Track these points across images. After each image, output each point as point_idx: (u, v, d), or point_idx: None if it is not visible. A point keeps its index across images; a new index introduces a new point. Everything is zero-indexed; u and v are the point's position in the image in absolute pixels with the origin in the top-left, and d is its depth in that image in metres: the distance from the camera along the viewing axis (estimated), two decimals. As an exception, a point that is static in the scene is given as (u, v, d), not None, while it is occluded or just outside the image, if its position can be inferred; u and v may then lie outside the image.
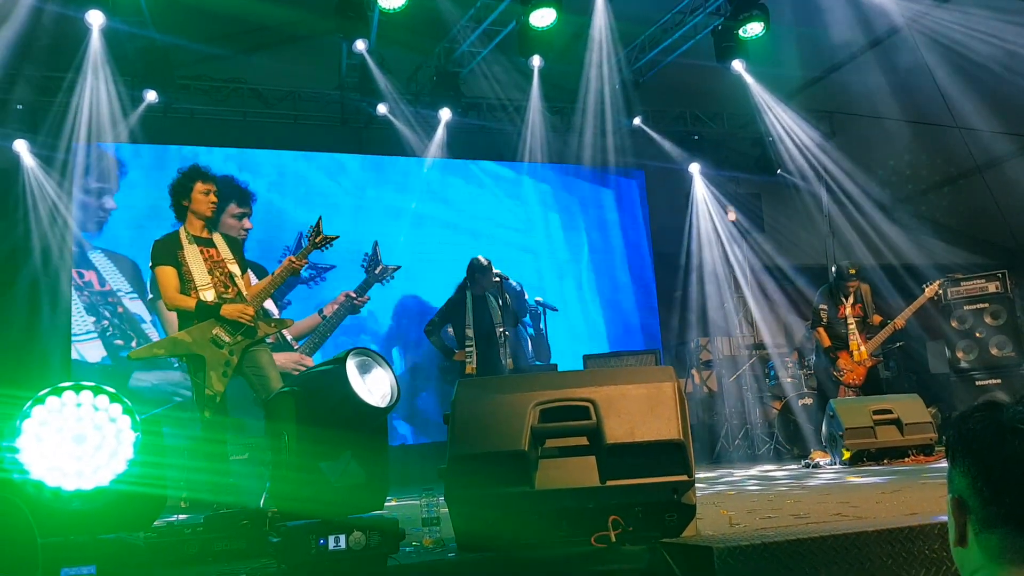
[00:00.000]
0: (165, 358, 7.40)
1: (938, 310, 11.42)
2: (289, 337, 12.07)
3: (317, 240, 6.05)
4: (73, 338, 11.08)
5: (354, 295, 12.54)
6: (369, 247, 12.75)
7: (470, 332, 9.35)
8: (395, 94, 12.43)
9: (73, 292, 11.18)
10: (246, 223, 12.16)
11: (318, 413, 3.84)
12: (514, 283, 12.44)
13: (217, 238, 6.20)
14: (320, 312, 12.36)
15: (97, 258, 11.51)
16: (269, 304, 11.93)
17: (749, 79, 12.72)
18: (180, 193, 6.13)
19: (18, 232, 11.06)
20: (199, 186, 6.08)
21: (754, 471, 9.54)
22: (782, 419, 11.82)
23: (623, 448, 4.03)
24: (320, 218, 6.17)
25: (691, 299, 14.25)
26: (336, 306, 12.43)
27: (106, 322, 11.32)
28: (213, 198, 6.14)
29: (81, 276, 11.46)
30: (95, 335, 11.31)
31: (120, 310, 11.49)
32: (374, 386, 3.93)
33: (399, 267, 12.81)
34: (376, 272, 12.70)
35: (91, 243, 11.54)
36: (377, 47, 11.79)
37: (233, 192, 12.20)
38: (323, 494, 3.75)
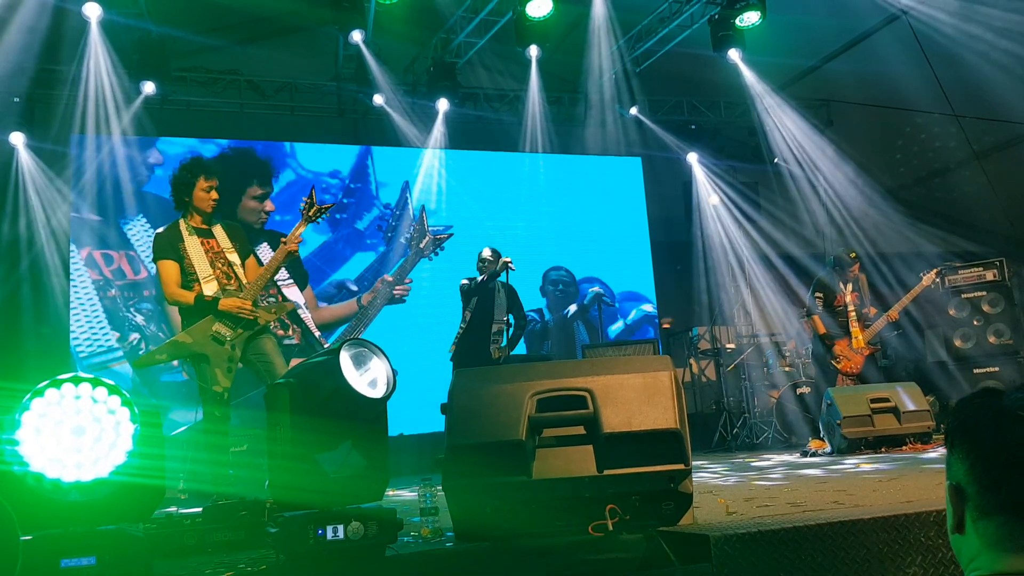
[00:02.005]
0: (168, 362, 7.31)
1: (936, 298, 11.43)
2: (317, 333, 11.94)
3: (311, 213, 5.98)
4: (88, 362, 10.77)
5: (391, 280, 12.41)
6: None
7: (467, 315, 9.38)
8: (391, 85, 12.43)
9: (93, 294, 10.98)
10: (267, 205, 11.99)
11: (312, 404, 3.85)
12: (564, 272, 12.57)
13: (217, 229, 6.15)
14: (358, 300, 12.28)
15: (135, 231, 11.28)
16: (294, 294, 11.85)
17: (744, 69, 12.72)
18: (182, 189, 6.03)
19: (14, 225, 11.05)
20: (201, 182, 5.99)
21: (752, 460, 9.55)
22: (780, 408, 11.83)
23: (620, 437, 4.04)
24: (313, 188, 6.10)
25: (689, 288, 14.27)
26: (373, 294, 12.33)
27: (136, 336, 10.98)
28: (215, 195, 6.06)
29: (109, 261, 11.19)
30: (120, 353, 10.95)
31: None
32: (369, 377, 3.94)
33: (451, 234, 12.62)
34: (421, 245, 12.58)
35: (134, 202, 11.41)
36: (374, 38, 11.80)
37: (253, 169, 12.09)
38: (320, 485, 3.76)
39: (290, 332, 11.74)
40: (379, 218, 12.64)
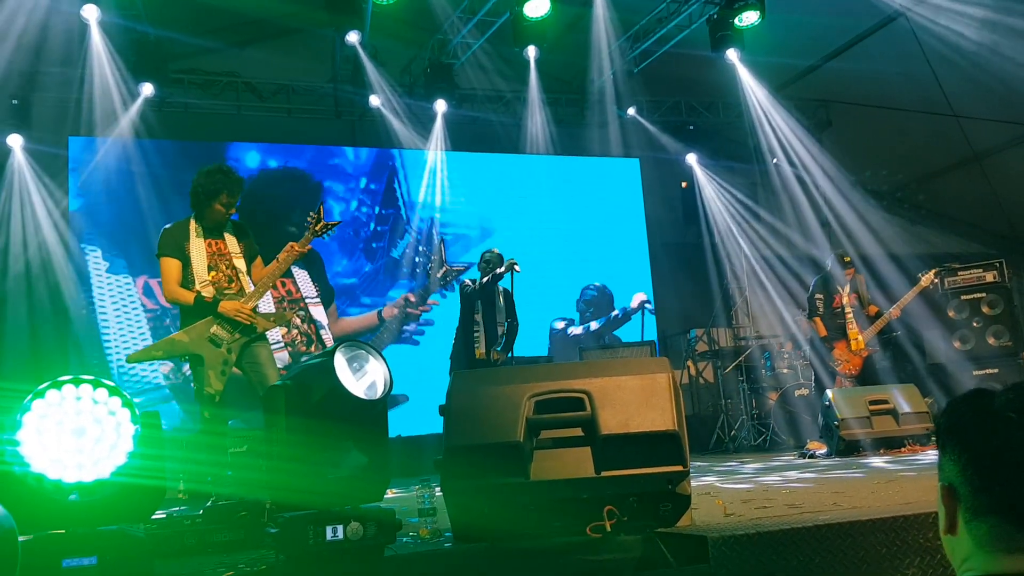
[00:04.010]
0: (163, 360, 7.29)
1: (935, 299, 11.43)
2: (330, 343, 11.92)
3: (318, 228, 5.99)
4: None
5: (413, 300, 12.45)
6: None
7: (479, 318, 9.38)
8: (388, 86, 12.43)
9: (146, 327, 10.94)
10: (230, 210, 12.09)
11: (308, 406, 3.86)
12: (597, 292, 12.68)
13: (226, 231, 6.14)
14: (379, 312, 12.30)
15: None
16: (320, 313, 11.83)
17: (742, 70, 12.72)
18: (201, 197, 5.97)
19: (11, 227, 11.04)
20: (223, 198, 5.96)
21: (750, 462, 9.56)
22: (779, 409, 11.84)
23: (618, 439, 4.05)
24: (321, 204, 6.12)
25: (688, 290, 14.26)
26: (396, 310, 12.36)
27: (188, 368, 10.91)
28: (232, 210, 6.08)
29: (149, 291, 11.14)
30: (166, 391, 10.92)
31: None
32: (367, 379, 3.95)
33: (468, 266, 12.63)
34: (439, 275, 12.59)
35: None
36: (370, 39, 11.80)
37: (298, 193, 12.28)
38: (317, 485, 3.77)
39: (313, 349, 11.74)
40: (413, 249, 12.71)
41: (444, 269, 12.62)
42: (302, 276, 11.76)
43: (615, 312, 13.68)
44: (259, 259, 6.29)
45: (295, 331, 11.62)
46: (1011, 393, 1.49)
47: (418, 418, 11.91)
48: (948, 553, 1.55)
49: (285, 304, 11.54)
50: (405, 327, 12.42)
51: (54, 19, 10.38)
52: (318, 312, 11.92)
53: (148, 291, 11.19)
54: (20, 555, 2.09)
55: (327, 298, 12.11)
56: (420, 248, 12.72)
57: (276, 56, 12.66)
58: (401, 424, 11.65)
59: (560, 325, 13.45)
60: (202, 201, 5.98)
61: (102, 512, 3.43)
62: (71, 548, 3.31)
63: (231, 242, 6.10)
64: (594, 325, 13.59)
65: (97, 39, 10.86)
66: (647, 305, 13.25)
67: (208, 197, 5.96)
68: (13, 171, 11.23)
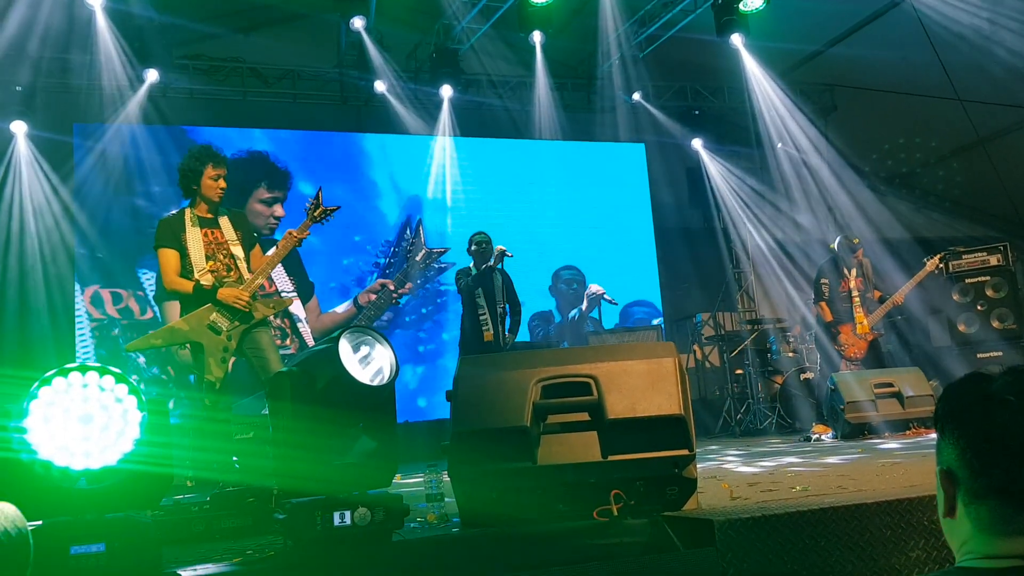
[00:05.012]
0: (162, 348, 7.24)
1: (940, 283, 11.42)
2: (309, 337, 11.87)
3: (316, 213, 5.99)
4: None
5: (392, 287, 12.39)
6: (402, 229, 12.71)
7: (482, 302, 9.35)
8: (392, 72, 12.40)
9: (88, 338, 10.84)
10: (277, 209, 11.85)
11: (313, 393, 3.86)
12: (576, 271, 12.63)
13: (223, 220, 6.14)
14: (355, 301, 12.24)
15: (151, 281, 11.07)
16: (297, 308, 11.78)
17: (746, 55, 12.69)
18: (189, 176, 6.01)
19: (13, 214, 11.03)
20: (209, 170, 5.97)
21: (756, 445, 9.57)
22: (784, 393, 11.85)
23: (624, 423, 4.06)
24: (320, 190, 6.11)
25: (694, 274, 14.25)
26: (372, 295, 12.28)
27: (135, 378, 10.69)
28: (222, 183, 6.03)
29: (117, 300, 11.04)
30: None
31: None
32: (374, 365, 3.95)
33: (447, 249, 12.56)
34: (418, 258, 12.51)
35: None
36: (376, 25, 11.76)
37: (262, 172, 12.00)
38: (324, 473, 3.77)
39: (288, 342, 11.69)
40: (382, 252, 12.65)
41: (423, 252, 12.58)
42: (276, 270, 11.68)
43: (576, 309, 13.55)
44: (258, 247, 6.30)
45: None
46: (1009, 376, 1.51)
47: (426, 404, 11.94)
48: (947, 536, 1.56)
49: (258, 298, 11.45)
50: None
51: (59, 5, 10.36)
52: (295, 308, 11.84)
53: (96, 300, 11.10)
54: (32, 557, 2.10)
55: (305, 292, 12.03)
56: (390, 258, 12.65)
57: (281, 42, 12.64)
58: (409, 410, 11.67)
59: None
60: (190, 179, 6.01)
61: (109, 499, 3.43)
62: (79, 535, 3.31)
63: (227, 230, 6.10)
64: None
65: (102, 25, 10.84)
66: (604, 297, 13.14)
67: (196, 174, 5.98)
68: (15, 158, 11.21)
